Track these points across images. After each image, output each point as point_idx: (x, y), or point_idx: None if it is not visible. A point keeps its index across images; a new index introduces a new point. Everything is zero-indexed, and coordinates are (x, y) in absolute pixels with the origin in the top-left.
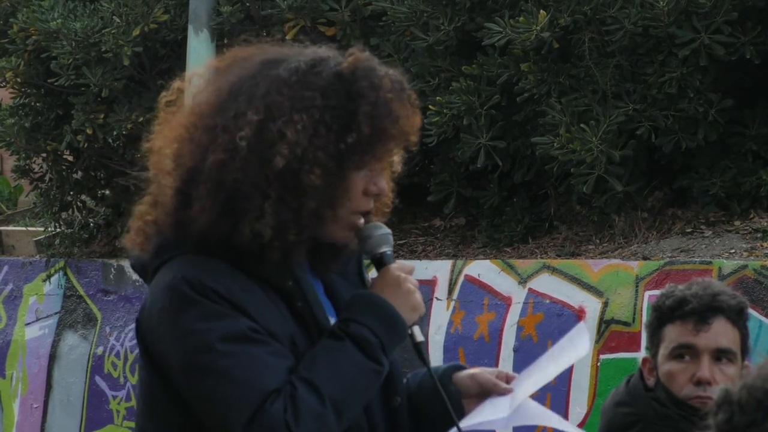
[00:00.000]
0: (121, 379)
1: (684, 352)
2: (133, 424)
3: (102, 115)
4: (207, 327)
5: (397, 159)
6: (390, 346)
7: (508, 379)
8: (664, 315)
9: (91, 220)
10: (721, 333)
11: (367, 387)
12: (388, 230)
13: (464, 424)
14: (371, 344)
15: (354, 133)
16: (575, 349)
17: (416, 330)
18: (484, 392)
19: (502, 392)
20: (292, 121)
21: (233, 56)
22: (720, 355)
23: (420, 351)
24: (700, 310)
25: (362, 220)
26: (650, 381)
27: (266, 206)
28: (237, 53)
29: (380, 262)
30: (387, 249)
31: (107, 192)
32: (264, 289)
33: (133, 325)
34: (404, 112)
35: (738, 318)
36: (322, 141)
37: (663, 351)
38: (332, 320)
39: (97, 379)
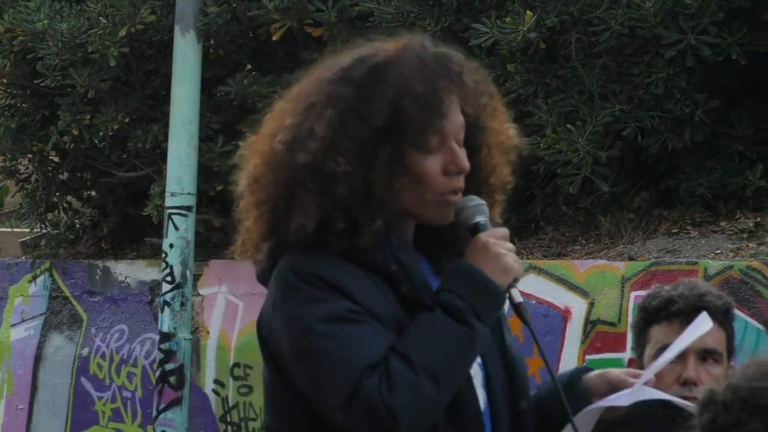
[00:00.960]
0: (107, 380)
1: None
2: (118, 425)
3: (88, 116)
4: (308, 311)
5: (512, 132)
6: (483, 309)
7: (637, 377)
8: (650, 315)
9: (77, 221)
10: (707, 334)
11: (461, 351)
12: (481, 201)
13: (582, 413)
14: (459, 309)
15: (376, 116)
16: (696, 329)
17: (514, 292)
18: (613, 389)
19: (629, 386)
20: (322, 116)
21: (323, 61)
22: (706, 355)
23: (519, 311)
24: (687, 311)
25: (457, 198)
26: None
27: (307, 200)
28: (326, 59)
29: (474, 232)
30: (481, 218)
31: (93, 193)
32: (369, 275)
33: (118, 326)
34: (435, 87)
35: (724, 318)
36: (348, 130)
37: (649, 351)
38: None
39: (83, 380)
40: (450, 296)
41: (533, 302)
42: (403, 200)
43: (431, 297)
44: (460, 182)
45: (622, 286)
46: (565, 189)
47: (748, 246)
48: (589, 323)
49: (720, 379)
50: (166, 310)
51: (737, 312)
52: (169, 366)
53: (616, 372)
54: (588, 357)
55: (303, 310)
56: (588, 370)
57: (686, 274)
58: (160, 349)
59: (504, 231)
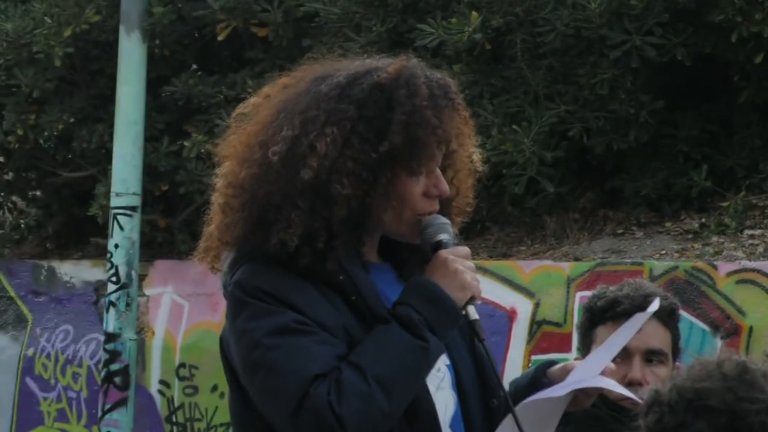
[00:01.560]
0: (52, 381)
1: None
2: (63, 426)
3: (33, 116)
4: (255, 325)
5: (476, 158)
6: (438, 323)
7: None
8: (595, 316)
9: (22, 221)
10: (652, 334)
11: (413, 364)
12: (446, 220)
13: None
14: (414, 322)
15: (386, 143)
16: (637, 320)
17: (471, 309)
18: None
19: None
20: (324, 134)
21: (299, 74)
22: (651, 356)
23: (474, 328)
24: (632, 311)
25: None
26: None
27: (293, 216)
28: (304, 71)
29: (437, 249)
30: (444, 236)
31: (38, 193)
32: (317, 286)
33: (63, 327)
34: (443, 119)
35: (669, 319)
36: (353, 151)
37: (591, 351)
38: None
39: (28, 380)
40: (406, 309)
41: (479, 303)
42: (382, 219)
43: (387, 310)
44: (436, 205)
45: (568, 287)
46: (511, 189)
47: (693, 247)
48: (535, 323)
49: (665, 379)
50: (112, 310)
51: (682, 313)
52: (114, 366)
53: (576, 363)
54: (534, 357)
55: (251, 325)
56: (552, 363)
57: (631, 274)
58: (105, 350)
59: (465, 250)
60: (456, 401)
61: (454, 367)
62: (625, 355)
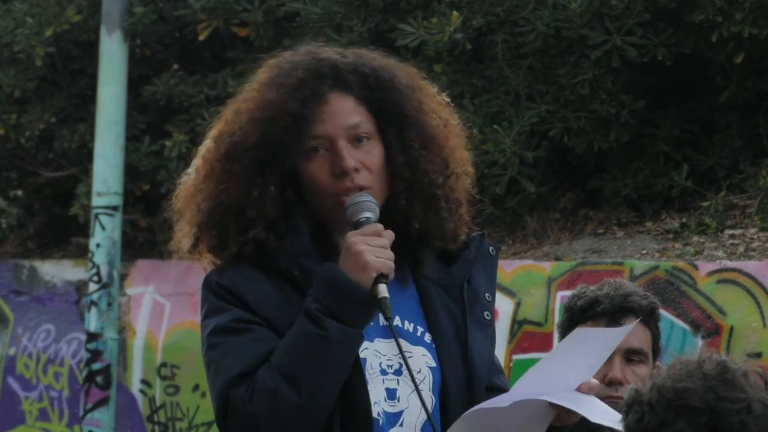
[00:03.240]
0: (34, 380)
1: None
2: (45, 425)
3: (14, 116)
4: (207, 323)
5: (447, 121)
6: (341, 310)
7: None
8: (575, 316)
9: (3, 220)
10: (632, 334)
11: (315, 354)
12: (366, 197)
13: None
14: (312, 311)
15: (247, 141)
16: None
17: (380, 287)
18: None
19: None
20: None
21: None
22: (631, 355)
23: (381, 307)
24: (612, 311)
25: (348, 199)
26: None
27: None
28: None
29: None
30: (365, 215)
31: (20, 192)
32: (273, 279)
33: (45, 326)
34: (275, 96)
35: (649, 318)
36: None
37: None
38: (410, 325)
39: (10, 379)
40: (308, 300)
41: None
42: (311, 208)
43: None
44: (351, 181)
45: (549, 286)
46: (492, 189)
47: (673, 246)
48: (516, 323)
49: (646, 379)
50: (93, 309)
51: (663, 312)
52: (95, 366)
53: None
54: (515, 357)
55: (205, 322)
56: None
57: (612, 274)
58: (87, 349)
59: (375, 227)
60: (435, 405)
61: (441, 370)
62: None
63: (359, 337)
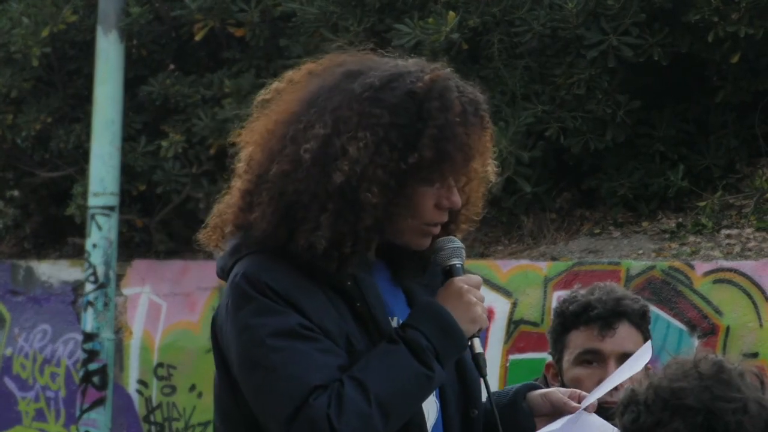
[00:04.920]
0: (30, 380)
1: (590, 357)
2: (41, 425)
3: (11, 116)
4: (260, 322)
5: (490, 169)
6: (445, 353)
7: (580, 399)
8: (568, 321)
9: None
10: (626, 337)
11: (416, 391)
12: (460, 244)
13: None
14: (423, 349)
15: (416, 154)
16: (640, 357)
17: (476, 342)
18: (556, 411)
19: (571, 411)
20: (356, 137)
21: (326, 63)
22: (625, 359)
23: (478, 362)
24: (605, 315)
25: (437, 230)
26: (554, 386)
27: (323, 219)
28: (331, 60)
29: (449, 274)
30: (457, 261)
31: (16, 193)
32: (323, 289)
33: (41, 326)
34: (472, 135)
35: (641, 322)
36: (383, 159)
37: (568, 357)
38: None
39: (6, 380)
40: (416, 334)
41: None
42: (400, 227)
43: (397, 330)
44: (446, 216)
45: (545, 286)
46: (488, 189)
47: (670, 246)
48: (512, 323)
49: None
50: (90, 310)
51: (659, 312)
52: (92, 366)
53: (558, 394)
54: (511, 357)
55: (255, 321)
56: (533, 387)
57: (609, 274)
58: (83, 349)
59: (478, 279)
60: (438, 409)
61: None
62: (600, 359)
63: (444, 379)
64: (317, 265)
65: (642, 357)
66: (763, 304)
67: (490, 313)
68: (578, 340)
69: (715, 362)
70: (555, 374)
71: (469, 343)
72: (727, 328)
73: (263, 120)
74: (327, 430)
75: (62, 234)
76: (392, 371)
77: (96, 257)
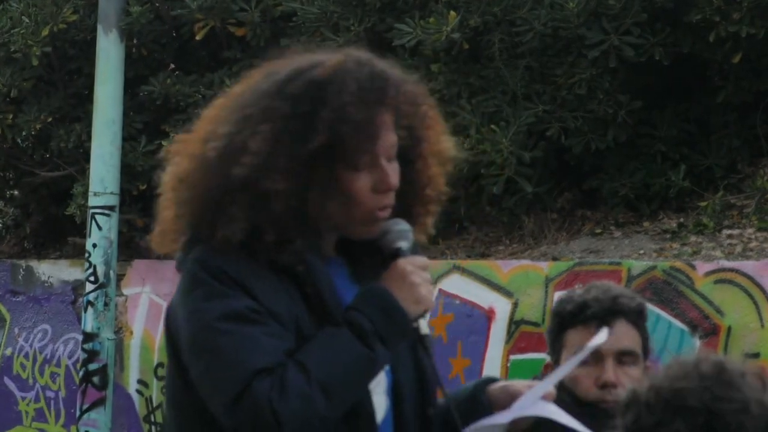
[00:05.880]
0: (30, 380)
1: (588, 356)
2: (41, 425)
3: (11, 116)
4: (209, 306)
5: (446, 146)
6: (388, 334)
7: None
8: (565, 320)
9: None
10: (623, 335)
11: (359, 373)
12: (407, 226)
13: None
14: (366, 332)
15: (314, 140)
16: (593, 341)
17: (422, 323)
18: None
19: None
20: (257, 131)
21: (261, 69)
22: (623, 357)
23: (424, 343)
24: (602, 314)
25: (384, 214)
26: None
27: (234, 211)
28: (265, 66)
29: (395, 257)
30: (403, 244)
31: (16, 192)
32: (276, 273)
33: (41, 326)
34: (372, 114)
35: (638, 319)
36: (283, 148)
37: (566, 356)
38: None
39: (6, 380)
40: (359, 317)
41: (457, 302)
42: (333, 216)
43: (341, 314)
44: (389, 199)
45: (546, 287)
46: (489, 189)
47: (671, 246)
48: (513, 323)
49: (638, 380)
50: (90, 310)
51: (660, 312)
52: (92, 366)
53: (518, 385)
54: (512, 357)
55: (204, 305)
56: (492, 381)
57: (610, 274)
58: (83, 349)
59: (423, 260)
60: (387, 407)
61: (393, 373)
62: (597, 358)
63: (389, 361)
64: (258, 256)
65: (594, 342)
66: (764, 304)
67: (491, 313)
68: (575, 339)
69: (716, 363)
70: None
71: (415, 325)
72: (729, 329)
73: (193, 131)
74: (269, 412)
75: (62, 234)
76: (335, 353)
77: (96, 257)
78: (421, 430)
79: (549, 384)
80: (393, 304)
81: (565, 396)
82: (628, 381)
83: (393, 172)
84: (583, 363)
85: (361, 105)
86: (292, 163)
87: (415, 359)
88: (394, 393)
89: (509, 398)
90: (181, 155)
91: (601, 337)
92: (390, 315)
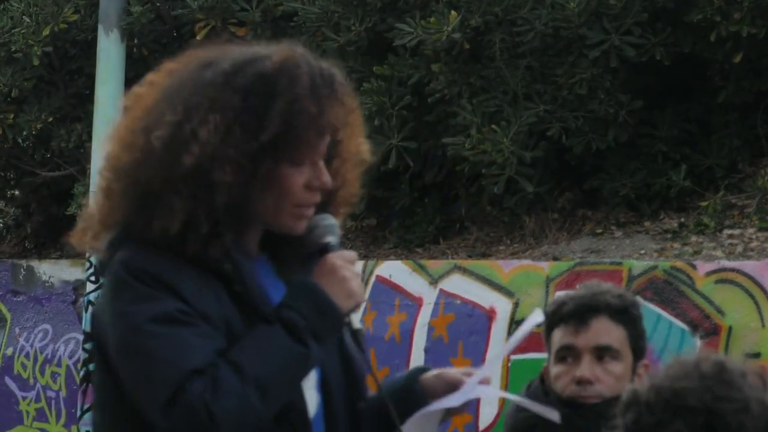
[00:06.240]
0: (31, 380)
1: (566, 353)
2: (42, 425)
3: (12, 116)
4: (137, 309)
5: (364, 149)
6: (321, 330)
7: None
8: (549, 320)
9: (0, 220)
10: (600, 331)
11: (293, 369)
12: (334, 221)
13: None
14: (299, 328)
15: (267, 132)
16: (528, 323)
17: (354, 318)
18: (451, 390)
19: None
20: (207, 121)
21: (183, 59)
22: (601, 352)
23: (357, 338)
24: (577, 311)
25: (311, 212)
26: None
27: (176, 202)
28: (188, 55)
29: (324, 252)
30: (331, 239)
31: (17, 192)
32: (202, 273)
33: (42, 326)
34: (324, 109)
35: (621, 316)
36: (235, 140)
37: (551, 355)
38: None
39: (7, 380)
40: (291, 314)
41: (458, 302)
42: (263, 209)
43: (273, 311)
44: (317, 197)
45: (547, 286)
46: (490, 189)
47: (672, 246)
48: (514, 323)
49: (621, 376)
50: (90, 309)
51: (661, 312)
52: (93, 366)
53: (452, 372)
54: (513, 357)
55: (133, 308)
56: (425, 370)
57: (611, 273)
58: (84, 349)
59: (352, 254)
60: (318, 402)
61: (322, 368)
62: (575, 355)
63: (322, 357)
64: (186, 250)
65: (530, 323)
66: (765, 304)
67: (492, 313)
68: (557, 337)
69: (716, 362)
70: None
71: (347, 320)
72: (729, 329)
73: (124, 121)
74: (204, 414)
75: (63, 233)
76: (267, 351)
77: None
78: (351, 424)
79: (486, 370)
80: (325, 299)
81: (552, 395)
82: (608, 377)
83: (326, 170)
84: (563, 360)
85: (315, 99)
86: (242, 156)
87: (341, 354)
88: (324, 388)
89: (444, 386)
90: (116, 146)
91: (535, 319)
92: (322, 311)
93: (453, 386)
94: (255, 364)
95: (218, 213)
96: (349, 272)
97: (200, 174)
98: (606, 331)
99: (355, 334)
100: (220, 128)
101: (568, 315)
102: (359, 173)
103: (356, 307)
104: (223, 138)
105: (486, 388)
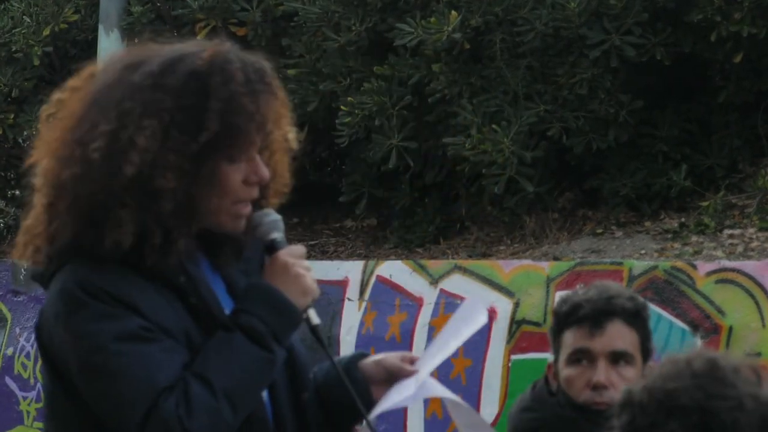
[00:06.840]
0: (32, 380)
1: (581, 356)
2: (42, 425)
3: (12, 116)
4: (99, 328)
5: (291, 136)
6: (282, 332)
7: (413, 361)
8: (561, 321)
9: (0, 220)
10: (616, 336)
11: (260, 376)
12: (277, 216)
13: (375, 411)
14: (260, 333)
15: (206, 132)
16: (474, 321)
17: (312, 313)
18: (391, 377)
19: (408, 374)
20: (143, 127)
21: (106, 61)
22: (617, 357)
23: (317, 334)
24: (594, 315)
25: (248, 208)
26: (554, 386)
27: (123, 214)
28: (110, 58)
29: (271, 249)
30: (277, 235)
31: (17, 192)
32: (156, 287)
33: None
34: (260, 104)
35: (634, 320)
36: (173, 143)
37: (562, 356)
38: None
39: (8, 380)
40: (250, 319)
41: (458, 302)
42: (206, 209)
43: (230, 317)
44: (255, 192)
45: (547, 286)
46: (490, 189)
47: (672, 246)
48: (515, 323)
49: (633, 380)
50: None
51: (661, 312)
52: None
53: (391, 359)
54: (513, 357)
55: (94, 327)
56: (365, 355)
57: (611, 273)
58: None
59: (301, 249)
60: (266, 395)
61: None
62: (590, 359)
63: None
64: (141, 263)
65: (475, 325)
66: (765, 304)
67: (492, 313)
68: (570, 339)
69: (708, 360)
70: (555, 374)
71: (305, 316)
72: (730, 329)
73: (51, 130)
74: (179, 430)
75: None
76: (233, 360)
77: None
78: (296, 415)
79: (429, 367)
80: (282, 300)
81: (561, 397)
82: (622, 382)
83: (262, 164)
84: (577, 364)
85: (251, 95)
86: (183, 159)
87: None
88: (269, 385)
89: (384, 372)
90: (51, 160)
91: (481, 320)
92: (281, 312)
93: (392, 374)
94: (223, 376)
95: (168, 220)
96: (302, 268)
97: (143, 182)
98: (621, 336)
99: (315, 330)
100: (157, 133)
101: (584, 318)
102: (288, 162)
103: (312, 302)
104: (161, 143)
105: (437, 387)
